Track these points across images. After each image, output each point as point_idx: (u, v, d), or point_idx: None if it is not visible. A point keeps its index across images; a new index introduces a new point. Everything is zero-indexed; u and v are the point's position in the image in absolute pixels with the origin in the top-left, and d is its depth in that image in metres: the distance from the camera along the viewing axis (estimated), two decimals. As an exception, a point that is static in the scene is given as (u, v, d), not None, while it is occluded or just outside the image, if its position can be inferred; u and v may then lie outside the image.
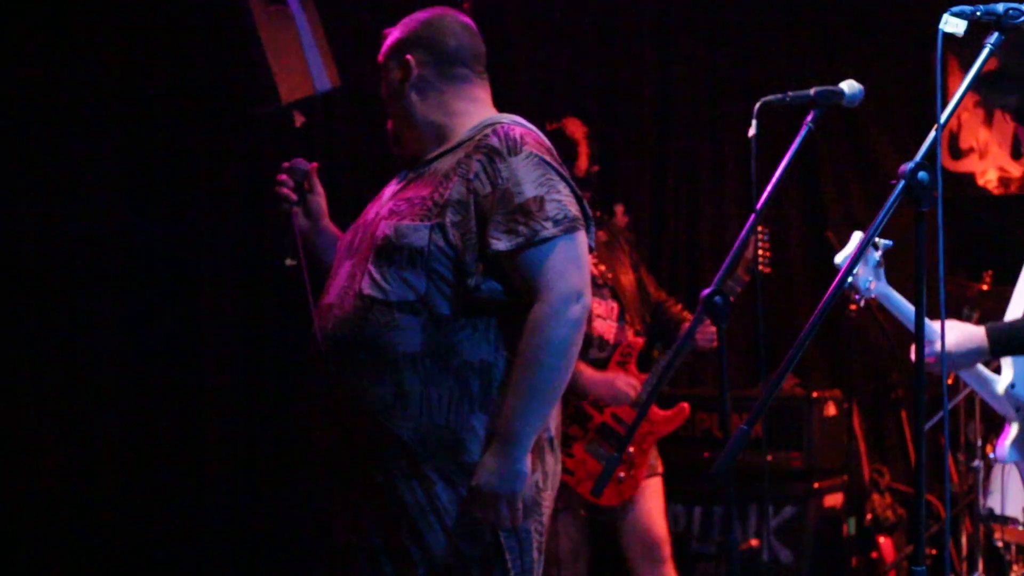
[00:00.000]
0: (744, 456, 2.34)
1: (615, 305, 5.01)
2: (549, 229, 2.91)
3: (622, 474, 4.81)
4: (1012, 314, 3.66)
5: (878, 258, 3.46)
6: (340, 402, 3.01)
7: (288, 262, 3.24)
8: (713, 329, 4.81)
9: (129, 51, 4.97)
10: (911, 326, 3.36)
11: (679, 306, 5.30)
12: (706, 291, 2.90)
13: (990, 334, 3.50)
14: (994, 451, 3.81)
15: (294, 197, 3.27)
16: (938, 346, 3.40)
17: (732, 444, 2.27)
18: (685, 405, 5.02)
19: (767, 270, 5.15)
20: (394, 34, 3.21)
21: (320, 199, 3.33)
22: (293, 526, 5.21)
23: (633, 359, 4.93)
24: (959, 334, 3.51)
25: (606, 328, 4.96)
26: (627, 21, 6.75)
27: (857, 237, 3.46)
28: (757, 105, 2.99)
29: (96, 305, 4.96)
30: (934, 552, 5.80)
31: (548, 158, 3.01)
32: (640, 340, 4.98)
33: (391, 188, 3.18)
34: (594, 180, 5.08)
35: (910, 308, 3.40)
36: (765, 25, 6.95)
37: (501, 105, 3.22)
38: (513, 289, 2.98)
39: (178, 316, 5.14)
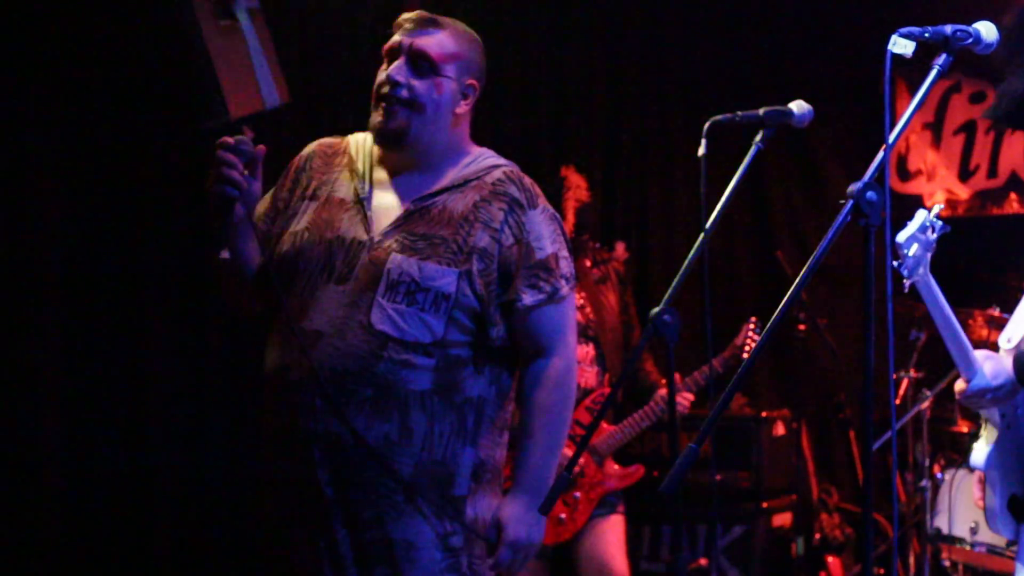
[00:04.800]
0: (693, 475, 2.34)
1: (591, 349, 4.98)
2: (564, 288, 3.04)
3: (563, 515, 4.76)
4: (1009, 336, 3.64)
5: (933, 241, 3.34)
6: (332, 436, 2.88)
7: (224, 255, 3.02)
8: (691, 397, 4.90)
9: (78, 63, 4.92)
10: (942, 324, 3.34)
11: (652, 368, 5.23)
12: (655, 310, 2.90)
13: (1016, 362, 3.49)
14: (969, 459, 3.79)
15: (244, 185, 2.89)
16: (980, 380, 3.40)
17: (681, 463, 2.27)
18: (640, 467, 4.99)
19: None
20: (462, 46, 3.09)
21: (259, 189, 3.00)
22: (241, 552, 5.17)
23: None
24: (994, 365, 3.49)
25: (585, 373, 4.92)
26: (576, 41, 6.76)
27: (921, 216, 3.30)
28: (707, 125, 3.00)
29: (39, 312, 4.89)
30: (882, 572, 5.82)
31: (552, 209, 3.10)
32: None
33: (384, 211, 3.02)
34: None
35: (948, 309, 3.35)
36: (715, 45, 6.99)
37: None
38: (513, 335, 3.04)
39: (122, 323, 5.09)
